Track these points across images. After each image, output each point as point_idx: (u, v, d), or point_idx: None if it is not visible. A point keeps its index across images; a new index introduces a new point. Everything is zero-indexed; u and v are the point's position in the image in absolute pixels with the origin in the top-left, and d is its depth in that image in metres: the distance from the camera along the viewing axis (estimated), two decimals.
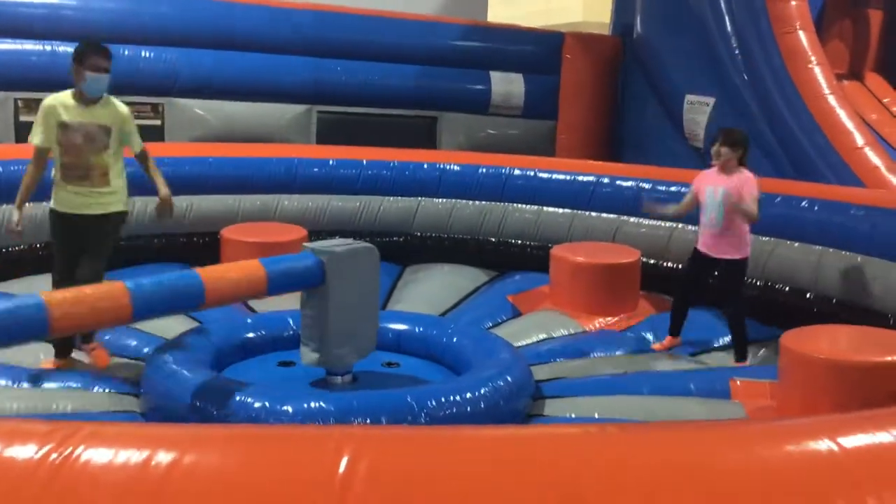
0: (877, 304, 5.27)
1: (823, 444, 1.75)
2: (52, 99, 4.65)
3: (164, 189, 4.89)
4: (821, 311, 5.55)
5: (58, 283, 4.54)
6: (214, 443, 1.53)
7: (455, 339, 4.85)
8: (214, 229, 6.75)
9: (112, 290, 3.37)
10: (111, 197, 4.69)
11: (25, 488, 1.44)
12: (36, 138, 4.63)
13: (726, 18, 8.03)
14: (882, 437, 1.80)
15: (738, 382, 4.46)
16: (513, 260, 7.25)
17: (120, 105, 4.84)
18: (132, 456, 1.40)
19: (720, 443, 1.81)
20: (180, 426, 1.74)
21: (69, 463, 1.43)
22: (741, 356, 5.13)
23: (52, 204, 4.69)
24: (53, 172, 4.66)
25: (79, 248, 4.61)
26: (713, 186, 5.15)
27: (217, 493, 1.45)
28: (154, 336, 5.07)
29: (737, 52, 7.89)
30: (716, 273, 5.25)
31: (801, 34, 7.52)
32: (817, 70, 7.32)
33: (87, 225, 4.61)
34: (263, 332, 4.77)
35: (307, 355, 4.26)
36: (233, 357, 4.62)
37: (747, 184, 5.01)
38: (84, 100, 4.64)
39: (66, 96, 4.67)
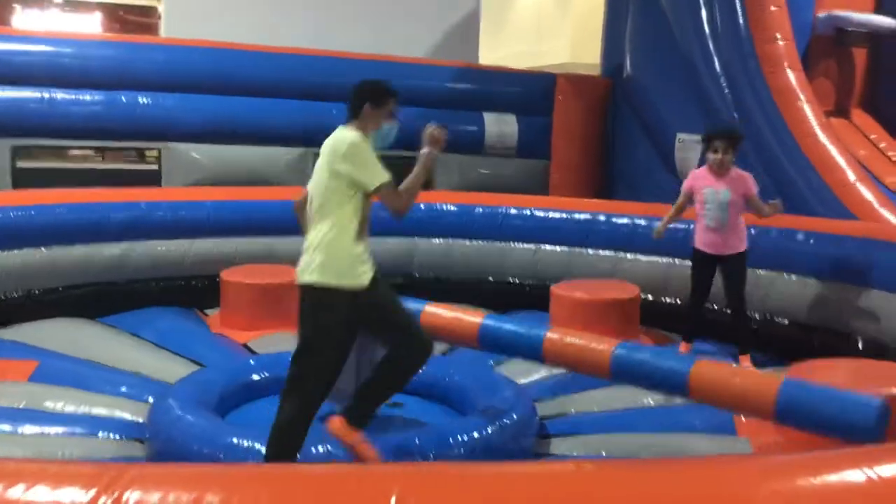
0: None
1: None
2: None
3: None
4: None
5: None
6: (263, 481, 1.54)
7: (458, 379, 4.86)
8: (213, 272, 6.78)
9: None
10: None
11: None
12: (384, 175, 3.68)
13: (715, 59, 8.18)
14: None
15: (744, 418, 4.47)
16: (511, 299, 7.28)
17: None
18: (181, 497, 1.39)
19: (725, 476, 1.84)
20: (228, 466, 1.74)
21: None
22: (747, 348, 5.29)
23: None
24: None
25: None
26: (713, 188, 5.30)
27: None
28: (154, 380, 5.04)
29: (726, 91, 8.02)
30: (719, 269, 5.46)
31: (790, 73, 7.66)
32: (806, 108, 7.45)
33: None
34: (267, 374, 4.76)
35: None
36: (237, 399, 4.61)
37: (747, 183, 5.27)
38: None
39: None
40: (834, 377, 4.06)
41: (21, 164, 7.75)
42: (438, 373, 4.98)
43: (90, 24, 16.87)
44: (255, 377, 4.74)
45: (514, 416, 4.21)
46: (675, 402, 4.92)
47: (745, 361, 5.38)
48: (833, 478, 1.84)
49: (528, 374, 5.52)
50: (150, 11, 15.93)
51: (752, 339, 5.40)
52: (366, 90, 3.79)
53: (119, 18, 16.95)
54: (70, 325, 6.01)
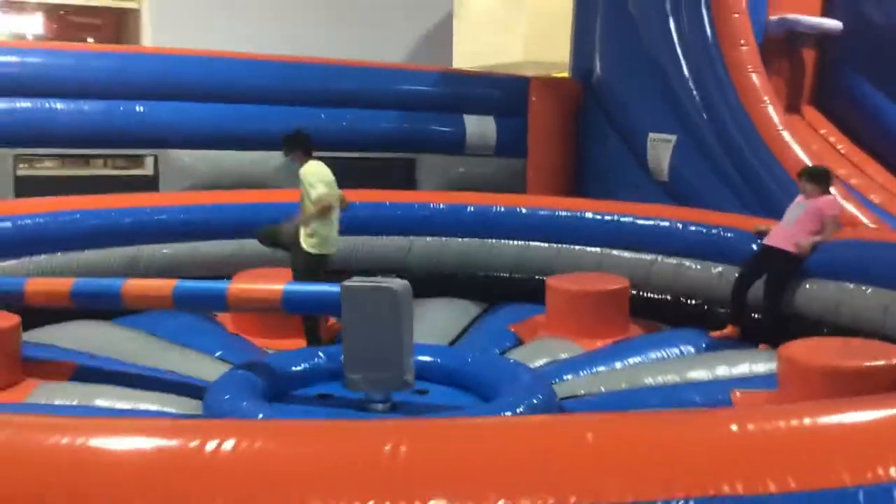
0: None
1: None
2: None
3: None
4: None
5: None
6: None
7: (478, 366, 5.28)
8: (213, 275, 7.07)
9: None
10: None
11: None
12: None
13: (683, 64, 8.73)
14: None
15: (739, 393, 4.97)
16: (501, 292, 7.73)
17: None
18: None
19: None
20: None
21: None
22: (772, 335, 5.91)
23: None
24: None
25: None
26: (799, 203, 6.32)
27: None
28: (193, 378, 5.34)
29: (695, 93, 8.58)
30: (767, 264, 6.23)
31: (754, 76, 8.25)
32: (770, 109, 8.04)
33: None
34: (307, 366, 5.11)
35: (347, 383, 4.67)
36: (276, 391, 4.95)
37: (828, 206, 6.20)
38: None
39: None
40: (828, 352, 4.58)
41: (21, 172, 7.90)
42: (457, 361, 5.39)
43: (31, 26, 16.40)
44: (296, 369, 5.08)
45: (538, 399, 4.63)
46: (675, 380, 5.44)
47: (765, 347, 5.95)
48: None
49: (532, 360, 5.95)
50: (97, 12, 15.65)
51: (774, 333, 5.96)
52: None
53: (60, 19, 16.61)
54: (93, 327, 6.24)
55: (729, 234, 6.93)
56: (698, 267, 7.04)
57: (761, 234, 6.54)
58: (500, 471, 1.67)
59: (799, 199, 6.43)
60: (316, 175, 6.21)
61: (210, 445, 1.69)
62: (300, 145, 6.36)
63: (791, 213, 6.35)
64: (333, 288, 4.75)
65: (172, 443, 1.83)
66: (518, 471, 1.65)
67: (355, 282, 4.72)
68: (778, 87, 11.03)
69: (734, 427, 1.85)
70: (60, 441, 1.86)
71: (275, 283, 5.09)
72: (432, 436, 1.86)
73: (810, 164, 6.87)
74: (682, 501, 1.58)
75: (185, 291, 5.06)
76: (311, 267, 6.14)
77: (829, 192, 6.39)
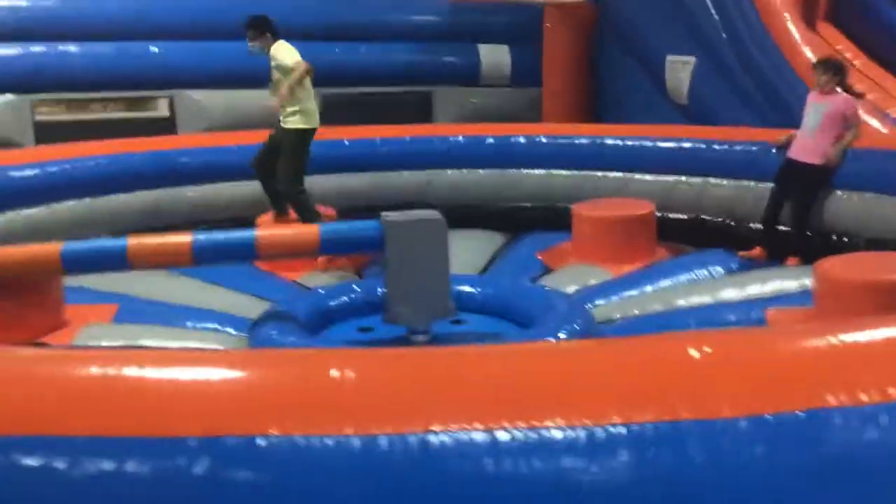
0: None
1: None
2: None
3: None
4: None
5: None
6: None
7: (513, 294, 5.34)
8: (244, 214, 7.11)
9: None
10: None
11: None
12: None
13: None
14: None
15: (774, 311, 5.03)
16: (524, 222, 7.75)
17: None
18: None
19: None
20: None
21: None
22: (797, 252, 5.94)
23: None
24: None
25: None
26: (816, 103, 6.04)
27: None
28: (231, 315, 5.41)
29: (713, 12, 8.45)
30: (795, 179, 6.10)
31: None
32: (790, 25, 7.93)
33: None
34: (344, 300, 5.18)
35: (389, 316, 4.74)
36: (318, 325, 5.03)
37: (847, 106, 5.94)
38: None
39: None
40: (865, 267, 4.62)
41: (39, 118, 7.88)
42: (490, 289, 5.46)
43: None
44: (333, 304, 5.15)
45: (579, 324, 4.70)
46: (708, 301, 5.50)
47: (793, 262, 5.98)
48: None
49: (562, 287, 6.00)
50: None
51: (803, 247, 5.99)
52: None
53: None
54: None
55: (753, 148, 6.89)
56: (724, 184, 7.03)
57: (782, 147, 6.36)
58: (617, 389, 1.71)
59: (812, 96, 6.13)
60: (288, 48, 6.15)
61: (334, 373, 1.71)
62: (269, 28, 6.19)
63: (810, 118, 6.04)
64: (372, 224, 4.76)
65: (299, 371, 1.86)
66: (630, 389, 1.69)
67: (395, 216, 4.74)
68: (794, 3, 10.84)
69: (834, 339, 1.87)
70: (180, 376, 1.84)
71: (304, 227, 5.04)
72: (548, 359, 1.90)
73: (823, 59, 6.45)
74: (795, 413, 1.62)
75: (209, 245, 4.76)
76: (304, 144, 6.19)
77: (845, 87, 6.07)
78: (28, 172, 6.48)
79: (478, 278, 5.86)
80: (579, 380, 1.73)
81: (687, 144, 7.27)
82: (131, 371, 1.72)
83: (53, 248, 4.73)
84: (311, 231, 4.95)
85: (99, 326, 5.09)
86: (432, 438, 1.52)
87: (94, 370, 1.75)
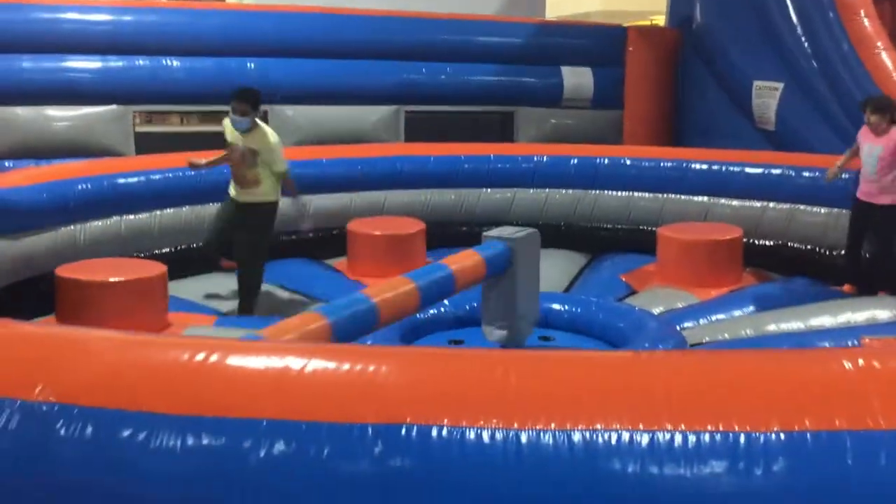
0: None
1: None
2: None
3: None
4: None
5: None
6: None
7: (603, 314, 5.37)
8: (331, 225, 7.31)
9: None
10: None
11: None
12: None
13: (790, 7, 8.53)
14: None
15: (869, 340, 4.96)
16: (603, 243, 7.78)
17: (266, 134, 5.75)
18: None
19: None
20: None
21: None
22: (876, 288, 5.89)
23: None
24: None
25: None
26: (870, 144, 6.00)
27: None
28: None
29: (803, 39, 8.39)
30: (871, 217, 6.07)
31: (866, 21, 8.02)
32: (884, 55, 7.83)
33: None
34: (432, 313, 5.27)
35: (492, 333, 4.78)
36: (411, 337, 5.14)
37: None
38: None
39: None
40: None
41: (140, 128, 8.22)
42: (579, 308, 5.49)
43: None
44: (421, 316, 5.25)
45: (672, 345, 4.71)
46: (800, 327, 5.44)
47: (883, 294, 5.94)
48: None
49: (649, 308, 5.99)
50: None
51: (883, 283, 5.94)
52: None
53: None
54: (223, 278, 6.50)
55: (845, 176, 6.80)
56: (813, 211, 6.97)
57: (835, 177, 6.33)
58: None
59: (864, 135, 6.09)
60: (279, 146, 5.84)
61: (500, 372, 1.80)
62: (259, 105, 5.82)
63: (867, 163, 6.02)
64: (501, 245, 4.72)
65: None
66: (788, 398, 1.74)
67: (503, 233, 4.81)
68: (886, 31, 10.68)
69: None
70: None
71: (461, 258, 4.62)
72: (707, 366, 1.97)
73: (874, 97, 6.40)
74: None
75: (425, 286, 4.32)
76: (271, 217, 5.87)
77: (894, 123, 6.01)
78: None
79: (565, 296, 5.89)
80: (737, 388, 1.79)
81: (776, 171, 7.23)
82: (317, 363, 1.86)
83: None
84: (476, 259, 4.62)
85: (204, 328, 5.30)
86: (596, 437, 1.60)
87: (292, 360, 1.91)
